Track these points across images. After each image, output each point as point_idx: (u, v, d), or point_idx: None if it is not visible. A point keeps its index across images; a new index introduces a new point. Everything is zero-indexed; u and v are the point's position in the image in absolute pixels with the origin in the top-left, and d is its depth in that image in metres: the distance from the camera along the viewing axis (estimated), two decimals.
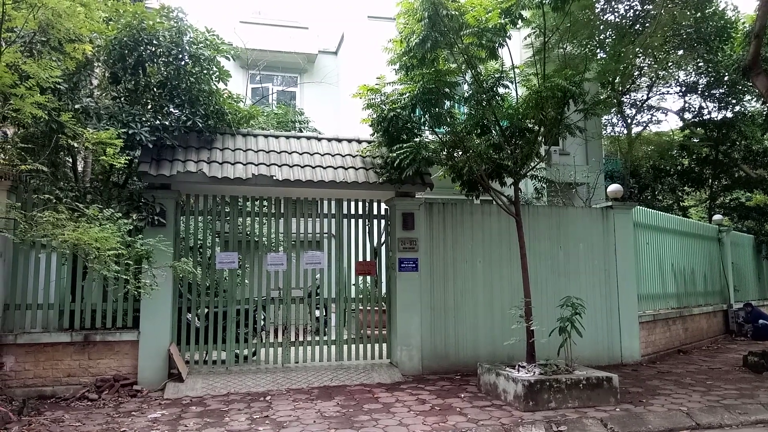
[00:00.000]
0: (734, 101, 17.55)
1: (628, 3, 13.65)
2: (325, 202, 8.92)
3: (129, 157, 7.50)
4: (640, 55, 14.31)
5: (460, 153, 8.05)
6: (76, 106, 7.13)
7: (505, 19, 7.13)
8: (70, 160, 8.25)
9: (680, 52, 15.68)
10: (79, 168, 8.47)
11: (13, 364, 6.98)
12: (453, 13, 7.04)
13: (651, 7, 12.94)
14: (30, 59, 5.41)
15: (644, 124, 19.44)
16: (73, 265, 7.47)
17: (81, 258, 7.12)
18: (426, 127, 8.42)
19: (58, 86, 6.13)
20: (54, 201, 6.11)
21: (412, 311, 8.54)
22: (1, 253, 6.89)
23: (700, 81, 17.69)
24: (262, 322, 8.72)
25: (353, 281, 8.96)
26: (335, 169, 8.44)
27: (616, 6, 13.53)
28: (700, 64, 16.81)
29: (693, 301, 12.25)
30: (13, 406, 6.21)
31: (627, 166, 17.47)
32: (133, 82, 8.14)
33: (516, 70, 8.02)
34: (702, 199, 22.81)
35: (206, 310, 8.15)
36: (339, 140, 9.32)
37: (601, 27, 12.68)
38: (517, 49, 10.08)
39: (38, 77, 5.23)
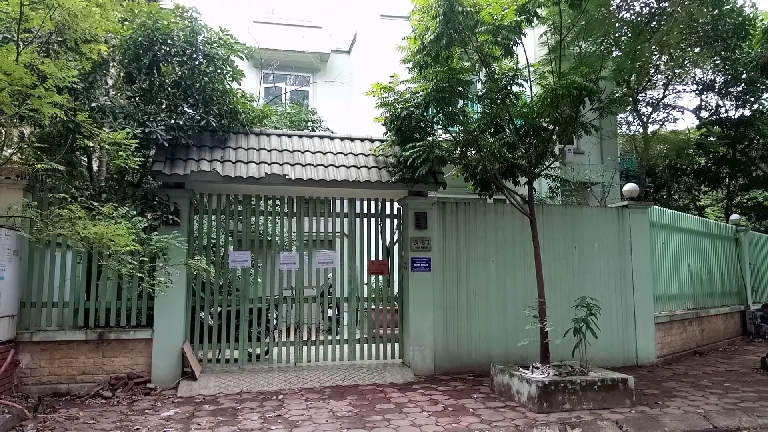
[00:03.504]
0: (752, 99, 17.28)
1: (644, 0, 13.50)
2: (338, 201, 8.91)
3: (143, 158, 7.54)
4: (656, 52, 14.14)
5: (474, 152, 8.00)
6: (92, 105, 7.20)
7: (521, 17, 7.06)
8: (86, 159, 8.33)
9: (697, 50, 15.47)
10: (94, 167, 8.54)
11: (29, 361, 7.05)
12: (468, 10, 7.00)
13: (667, 4, 12.78)
14: (47, 59, 5.44)
15: (660, 123, 19.22)
16: (88, 264, 7.53)
17: (96, 256, 7.18)
18: (439, 126, 8.38)
19: (75, 86, 6.17)
20: (69, 200, 6.15)
21: (424, 311, 8.50)
22: (17, 251, 6.96)
23: (717, 79, 17.44)
24: (275, 321, 8.74)
25: (365, 280, 8.95)
26: (348, 168, 8.42)
27: (631, 3, 13.39)
28: (717, 62, 16.57)
29: (710, 301, 12.09)
30: (28, 404, 6.29)
31: (642, 165, 17.26)
32: (147, 82, 8.19)
33: (531, 68, 7.95)
34: (719, 199, 22.53)
35: (219, 309, 8.18)
36: (351, 139, 9.31)
37: (617, 25, 12.55)
38: (532, 47, 9.98)
39: (55, 77, 5.26)
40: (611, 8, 12.03)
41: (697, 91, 18.38)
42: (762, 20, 14.80)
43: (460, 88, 7.66)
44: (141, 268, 6.07)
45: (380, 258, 8.96)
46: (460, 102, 7.98)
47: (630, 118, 19.75)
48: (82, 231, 5.26)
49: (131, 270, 5.92)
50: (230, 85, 8.65)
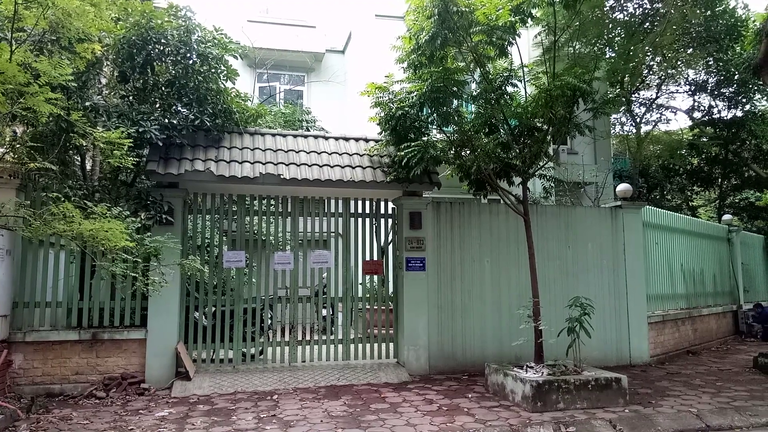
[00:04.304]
0: (744, 100, 17.41)
1: (638, 1, 13.58)
2: (333, 201, 8.91)
3: (137, 157, 7.51)
4: (649, 53, 14.22)
5: (468, 152, 8.02)
6: (86, 104, 7.16)
7: (516, 17, 7.08)
8: (79, 158, 8.29)
9: (690, 51, 15.57)
10: (88, 166, 8.50)
11: (22, 361, 7.01)
12: (463, 10, 7.01)
13: (661, 5, 12.86)
14: (41, 58, 5.42)
15: (653, 123, 19.32)
16: (81, 264, 7.49)
17: (89, 256, 7.14)
18: (434, 126, 8.39)
19: (68, 85, 6.15)
20: (63, 199, 6.12)
21: (419, 311, 8.51)
22: (10, 251, 6.92)
23: (710, 80, 17.57)
24: (269, 321, 8.73)
25: (360, 280, 8.95)
26: (342, 168, 8.42)
27: (625, 4, 13.47)
28: (709, 63, 16.69)
29: (702, 301, 12.16)
30: (21, 404, 6.25)
31: (636, 166, 17.36)
32: (141, 81, 8.16)
33: (525, 68, 7.98)
34: (711, 199, 22.68)
35: (213, 309, 8.16)
36: (346, 139, 9.31)
37: (611, 25, 12.62)
38: (526, 47, 10.01)
39: (49, 75, 5.23)
40: (605, 9, 12.09)
41: (689, 92, 18.50)
42: (754, 22, 14.90)
43: (455, 88, 7.67)
44: (135, 268, 6.05)
45: (375, 258, 8.96)
46: (455, 102, 7.99)
47: (623, 119, 19.90)
48: (77, 228, 5.23)
49: (125, 269, 5.89)
50: (224, 85, 8.63)
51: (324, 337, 8.63)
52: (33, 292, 7.24)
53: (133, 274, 6.09)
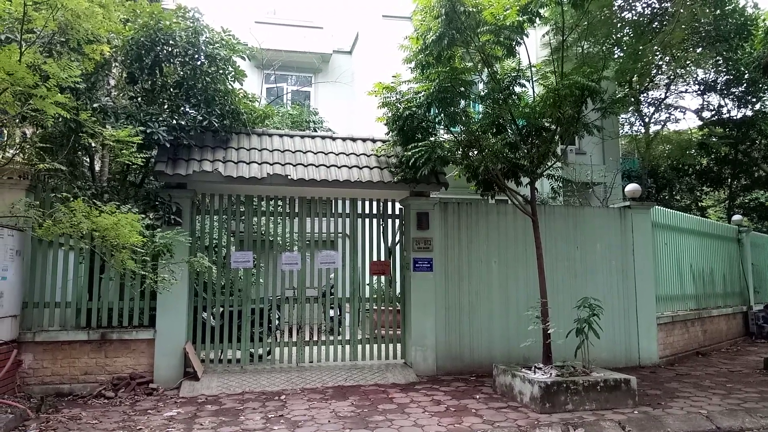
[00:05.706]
0: (754, 99, 17.30)
1: (646, 1, 13.50)
2: (340, 202, 8.91)
3: (146, 157, 7.54)
4: (658, 53, 14.13)
5: (476, 152, 8.00)
6: (95, 106, 7.20)
7: (523, 17, 7.06)
8: (88, 159, 8.33)
9: (699, 50, 15.47)
10: (96, 167, 8.55)
11: (31, 361, 7.06)
12: (470, 10, 7.00)
13: (669, 4, 12.79)
14: (50, 60, 5.45)
15: (662, 123, 19.21)
16: (90, 264, 7.53)
17: (99, 255, 7.17)
18: (441, 126, 8.39)
19: (77, 86, 6.18)
20: (72, 199, 6.15)
21: (426, 311, 8.49)
22: (20, 251, 6.96)
23: (719, 79, 17.46)
24: (277, 322, 8.74)
25: (368, 281, 8.95)
26: (350, 168, 8.42)
27: (634, 3, 13.40)
28: (719, 62, 16.58)
29: (712, 302, 12.06)
30: (31, 404, 6.29)
31: (644, 166, 17.26)
32: (149, 82, 8.19)
33: (533, 68, 7.95)
34: (721, 199, 22.52)
35: (221, 309, 8.18)
36: (353, 139, 9.31)
37: (619, 25, 12.55)
38: (534, 47, 9.97)
39: (58, 77, 5.26)
40: (614, 8, 12.03)
41: (699, 92, 18.39)
42: (764, 20, 14.80)
43: (462, 88, 7.66)
44: (144, 267, 6.06)
45: (382, 258, 8.95)
46: (462, 102, 7.99)
47: (632, 119, 19.80)
48: (94, 221, 5.24)
49: (136, 267, 5.91)
50: (232, 86, 8.66)
51: (331, 338, 8.63)
52: (42, 293, 7.29)
53: (143, 272, 6.12)
